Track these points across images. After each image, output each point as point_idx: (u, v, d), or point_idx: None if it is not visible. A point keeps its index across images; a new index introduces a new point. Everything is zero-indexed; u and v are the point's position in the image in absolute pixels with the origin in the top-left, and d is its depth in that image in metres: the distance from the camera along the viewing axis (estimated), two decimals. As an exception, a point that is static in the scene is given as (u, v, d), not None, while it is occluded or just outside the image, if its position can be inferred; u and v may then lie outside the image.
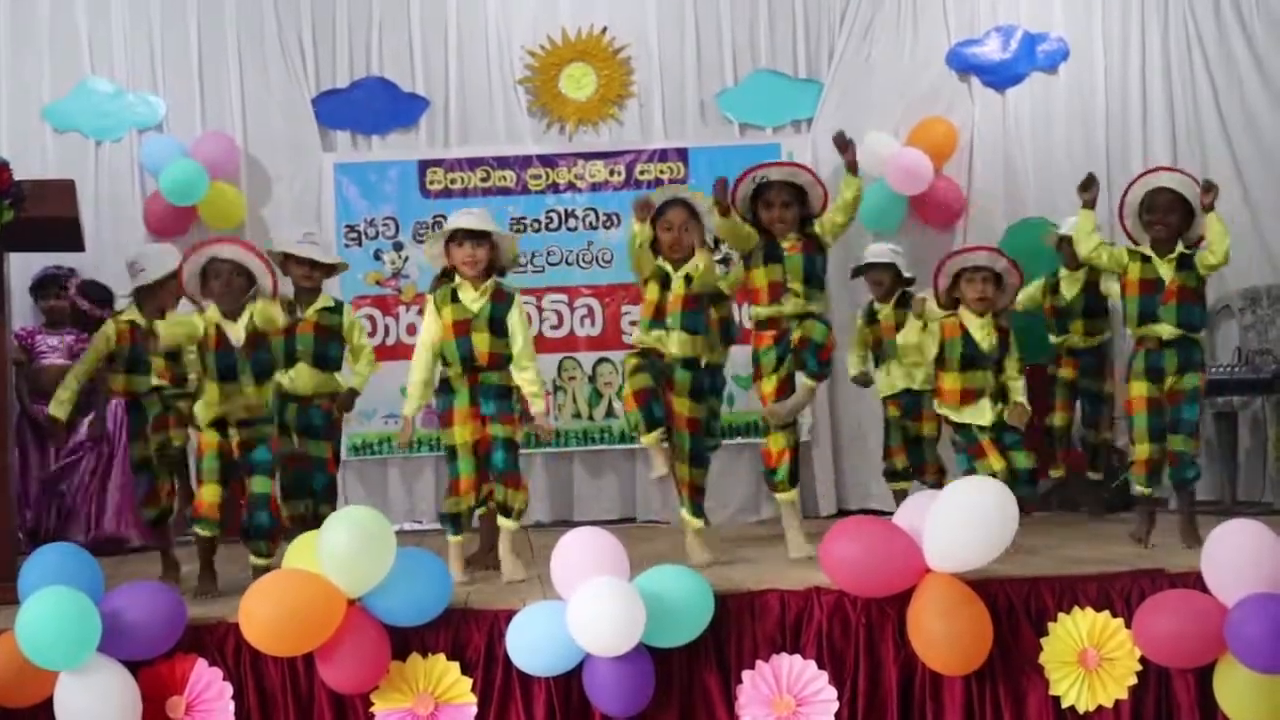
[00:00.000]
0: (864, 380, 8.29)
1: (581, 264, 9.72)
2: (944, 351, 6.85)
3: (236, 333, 6.35)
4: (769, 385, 6.76)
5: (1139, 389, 6.76)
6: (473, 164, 9.75)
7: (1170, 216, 6.74)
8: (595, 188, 9.79)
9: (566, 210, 9.75)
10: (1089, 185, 6.90)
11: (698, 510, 6.78)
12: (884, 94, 9.88)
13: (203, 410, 6.35)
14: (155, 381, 7.11)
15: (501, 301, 6.49)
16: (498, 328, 6.45)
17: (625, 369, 6.92)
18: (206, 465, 6.32)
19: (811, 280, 6.77)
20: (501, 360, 6.48)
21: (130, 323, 7.16)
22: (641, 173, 9.80)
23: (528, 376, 6.51)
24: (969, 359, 6.77)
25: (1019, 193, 9.77)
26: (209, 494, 6.30)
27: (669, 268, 6.78)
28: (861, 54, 9.93)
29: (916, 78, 9.93)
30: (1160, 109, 9.84)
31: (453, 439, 6.45)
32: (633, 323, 8.66)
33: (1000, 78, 9.94)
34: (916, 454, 8.05)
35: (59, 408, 7.07)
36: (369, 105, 9.78)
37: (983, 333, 6.78)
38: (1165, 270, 6.71)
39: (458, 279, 6.51)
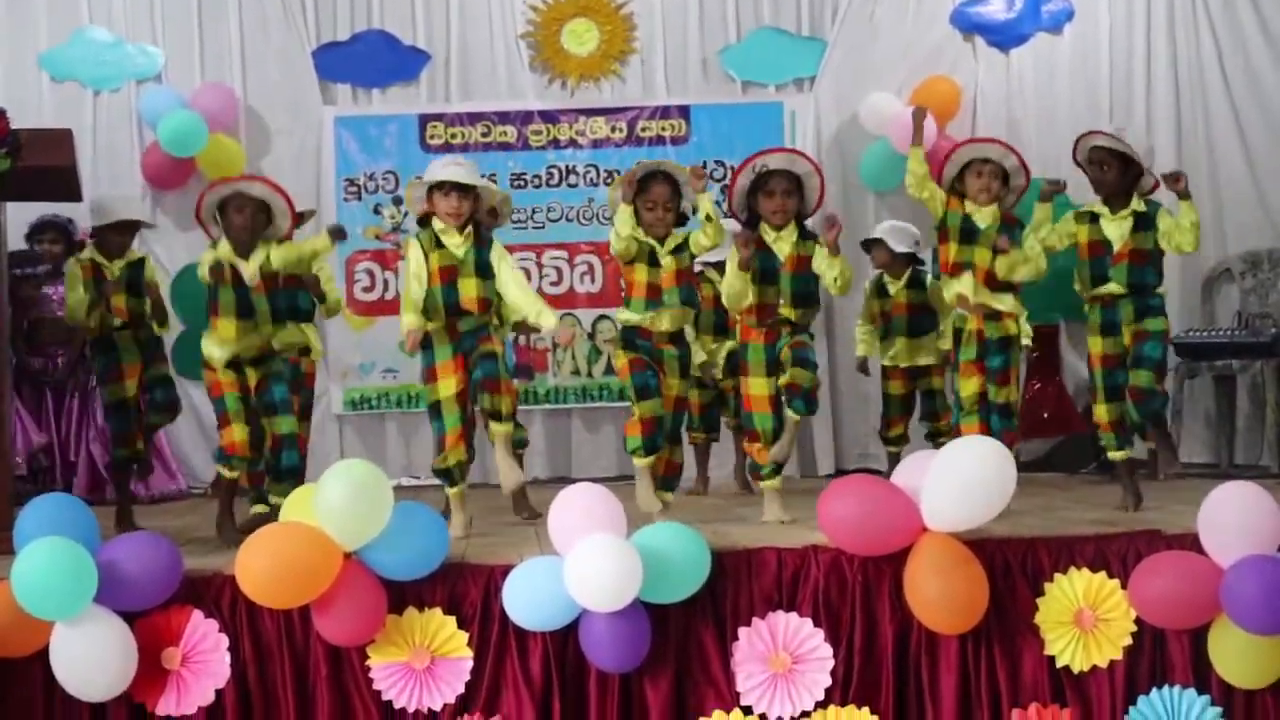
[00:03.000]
0: (864, 367, 8.32)
1: (582, 221, 9.71)
2: (945, 221, 6.75)
3: (250, 269, 6.36)
4: (758, 389, 6.58)
5: (1096, 346, 6.76)
6: (473, 119, 9.75)
7: (1108, 173, 6.72)
8: (596, 144, 9.79)
9: (567, 166, 9.74)
10: (1055, 187, 6.82)
11: (670, 486, 6.66)
12: (887, 53, 9.87)
13: (217, 349, 6.35)
14: (117, 320, 7.16)
15: (484, 245, 6.42)
16: (484, 270, 6.36)
17: (614, 358, 6.81)
18: (231, 406, 6.35)
19: (804, 301, 6.58)
20: (486, 306, 6.40)
21: (92, 261, 7.21)
22: (643, 129, 9.80)
23: (528, 304, 6.42)
24: (967, 233, 6.68)
25: (1022, 152, 9.73)
26: (238, 433, 6.34)
27: (654, 244, 6.51)
28: (865, 12, 9.92)
29: (920, 37, 9.92)
30: (1164, 71, 9.83)
31: (436, 394, 6.36)
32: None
33: (1004, 37, 9.94)
34: (929, 407, 8.07)
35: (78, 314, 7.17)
36: (369, 58, 9.77)
37: (981, 215, 6.70)
38: (1114, 230, 6.69)
39: (438, 225, 6.39)
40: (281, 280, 6.61)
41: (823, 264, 6.48)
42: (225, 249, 6.38)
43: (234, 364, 6.37)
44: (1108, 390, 6.72)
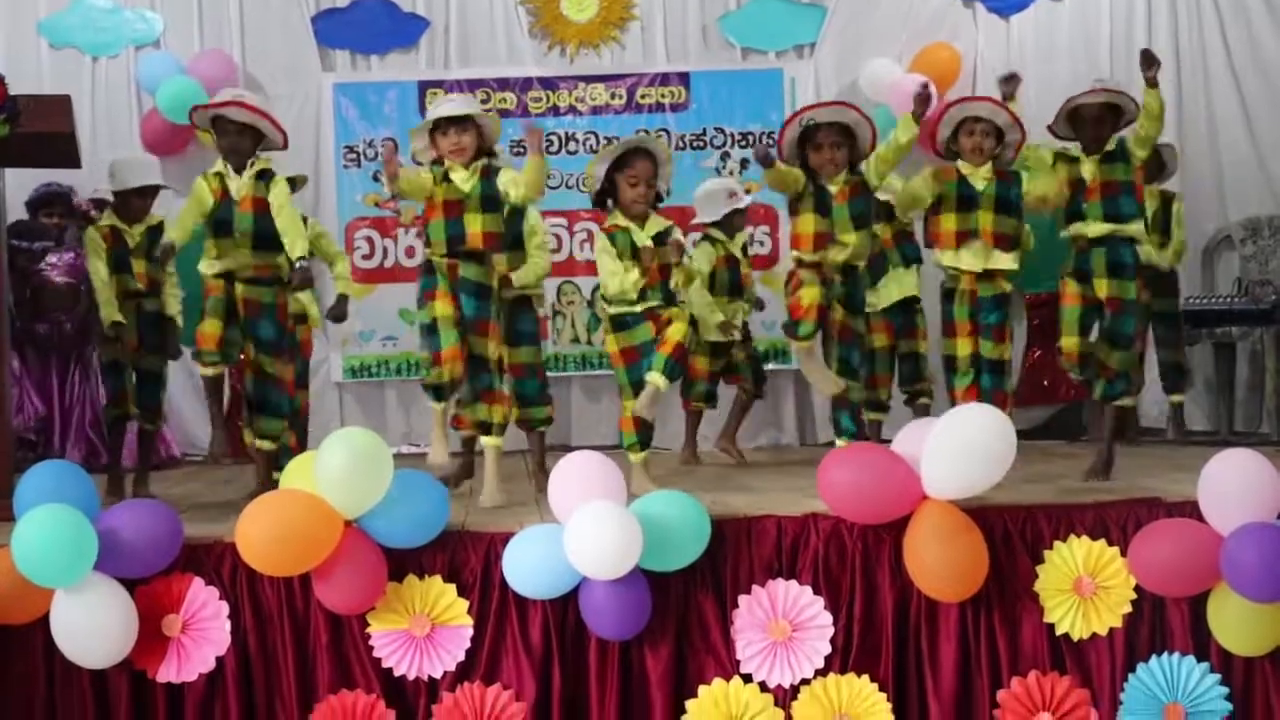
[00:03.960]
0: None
1: (581, 188, 9.66)
2: (941, 194, 6.71)
3: (236, 186, 6.41)
4: (806, 329, 6.58)
5: (1071, 287, 6.70)
6: (473, 86, 9.71)
7: (1102, 128, 6.70)
8: (596, 111, 9.76)
9: (567, 133, 9.72)
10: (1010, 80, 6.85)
11: (675, 372, 6.56)
12: (888, 19, 9.84)
13: (206, 265, 6.44)
14: (136, 285, 7.21)
15: (490, 176, 6.32)
16: (491, 205, 6.29)
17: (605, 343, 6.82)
18: (210, 302, 6.42)
19: (861, 222, 6.63)
20: (495, 241, 6.33)
21: (110, 227, 7.26)
22: (643, 96, 9.77)
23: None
24: (965, 200, 6.63)
25: (1022, 118, 9.69)
26: (210, 326, 6.39)
27: (633, 230, 6.57)
28: (866, -22, 9.88)
29: (921, 3, 9.91)
30: (1165, 38, 9.79)
31: (433, 312, 6.32)
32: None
33: (1005, 4, 9.93)
34: (910, 370, 8.05)
35: (110, 311, 7.17)
36: (368, 25, 9.73)
37: (976, 177, 6.65)
38: (1088, 168, 6.67)
39: (448, 164, 6.32)
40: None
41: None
42: (220, 164, 6.49)
43: (226, 276, 6.44)
44: (1082, 325, 6.66)
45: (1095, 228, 6.60)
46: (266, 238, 6.42)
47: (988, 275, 6.64)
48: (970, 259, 6.64)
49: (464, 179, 6.29)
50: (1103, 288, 6.60)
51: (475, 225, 6.27)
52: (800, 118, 6.63)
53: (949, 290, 6.80)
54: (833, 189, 6.59)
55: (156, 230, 7.26)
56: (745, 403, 8.40)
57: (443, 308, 6.29)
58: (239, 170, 6.46)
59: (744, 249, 8.04)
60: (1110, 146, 6.67)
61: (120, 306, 7.15)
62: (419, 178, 6.33)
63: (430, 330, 6.37)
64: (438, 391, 6.46)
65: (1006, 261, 6.63)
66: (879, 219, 7.66)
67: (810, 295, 6.54)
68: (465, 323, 6.28)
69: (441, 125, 6.30)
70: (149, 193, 7.34)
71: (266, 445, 6.46)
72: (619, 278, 6.52)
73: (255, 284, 6.45)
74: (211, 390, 6.55)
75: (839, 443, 6.71)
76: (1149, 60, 6.57)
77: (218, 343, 6.38)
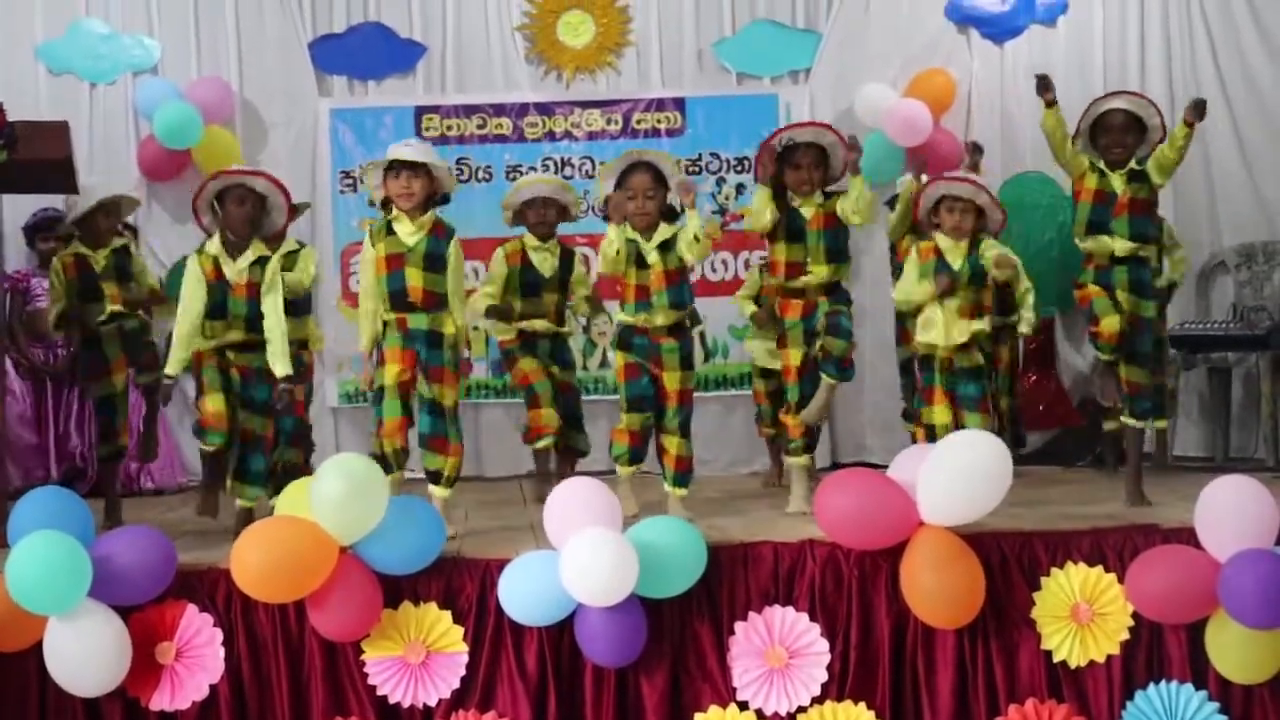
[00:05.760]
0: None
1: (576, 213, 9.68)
2: (921, 275, 6.70)
3: (232, 271, 6.31)
4: (795, 358, 6.66)
5: (1094, 289, 6.73)
6: (469, 111, 9.71)
7: (1126, 137, 6.75)
8: (592, 136, 9.74)
9: (563, 159, 9.70)
10: (1048, 85, 6.71)
11: (683, 482, 6.55)
12: (882, 45, 9.84)
13: (202, 343, 6.33)
14: (112, 308, 7.16)
15: (441, 236, 6.24)
16: (434, 264, 6.19)
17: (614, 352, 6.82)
18: (208, 375, 6.33)
19: (834, 255, 6.64)
20: (435, 300, 6.20)
21: (75, 254, 7.22)
22: (638, 122, 9.76)
23: (453, 317, 6.25)
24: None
25: (1016, 145, 9.73)
26: (213, 404, 6.29)
27: (639, 240, 6.50)
28: (860, 4, 9.88)
29: (915, 29, 9.89)
30: (1158, 64, 9.79)
31: (383, 379, 6.20)
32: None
33: (999, 30, 9.91)
34: None
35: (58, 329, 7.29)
36: (365, 51, 9.72)
37: (954, 254, 6.63)
38: (1119, 183, 6.71)
39: (395, 212, 6.25)
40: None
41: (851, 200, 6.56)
42: (215, 246, 6.35)
43: (219, 350, 6.35)
44: (1116, 310, 6.69)
45: (1121, 245, 6.65)
46: (256, 321, 6.33)
47: (964, 345, 6.61)
48: (940, 333, 6.60)
49: (409, 232, 6.21)
50: (1125, 303, 6.67)
51: (416, 280, 6.17)
52: (780, 137, 6.62)
53: (925, 358, 6.78)
54: (806, 213, 6.60)
55: (122, 252, 7.27)
56: None
57: (391, 374, 6.19)
58: (235, 250, 6.35)
59: None
60: (1135, 165, 6.74)
61: (100, 329, 7.15)
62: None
63: (378, 398, 6.25)
64: (384, 464, 6.13)
65: (977, 325, 6.61)
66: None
67: (796, 357, 6.67)
68: (415, 343, 6.20)
69: (395, 167, 6.20)
70: (110, 211, 7.28)
71: (247, 504, 6.40)
72: (607, 259, 6.51)
73: (247, 350, 6.35)
74: (209, 462, 6.48)
75: (823, 377, 6.64)
76: (1200, 110, 6.64)
77: (223, 419, 6.29)
